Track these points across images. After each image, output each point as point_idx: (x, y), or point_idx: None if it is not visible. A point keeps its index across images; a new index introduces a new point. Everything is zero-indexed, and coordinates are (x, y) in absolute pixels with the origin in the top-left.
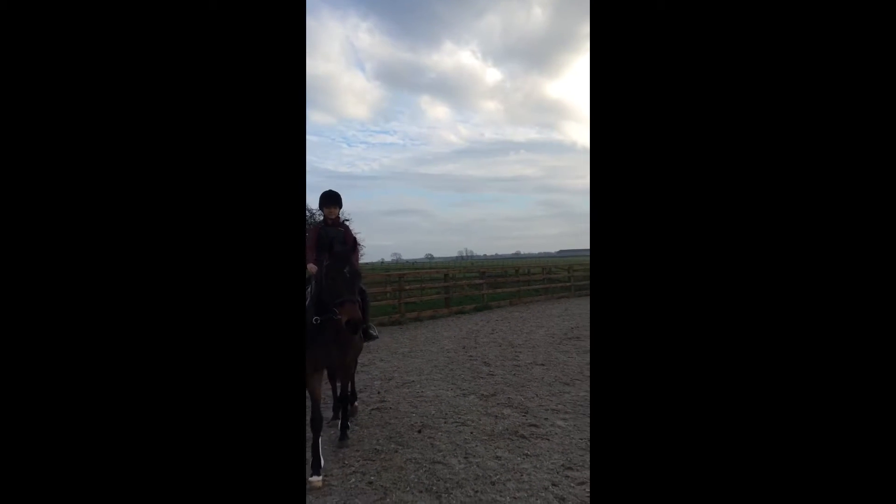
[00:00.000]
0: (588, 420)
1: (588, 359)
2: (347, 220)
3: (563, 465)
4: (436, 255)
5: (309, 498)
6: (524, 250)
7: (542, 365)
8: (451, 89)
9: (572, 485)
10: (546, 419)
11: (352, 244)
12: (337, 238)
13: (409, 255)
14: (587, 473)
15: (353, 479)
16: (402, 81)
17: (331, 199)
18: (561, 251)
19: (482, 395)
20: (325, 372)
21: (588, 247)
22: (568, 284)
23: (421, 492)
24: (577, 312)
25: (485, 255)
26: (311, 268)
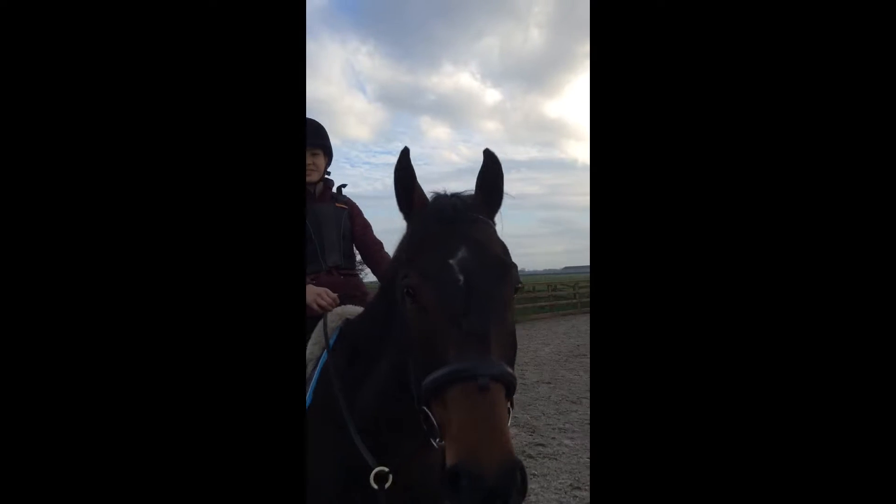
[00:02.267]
0: None
1: None
2: (345, 188)
3: (570, 485)
4: None
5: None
6: (529, 268)
7: (549, 383)
8: (451, 110)
9: None
10: (553, 438)
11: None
12: (334, 220)
13: None
14: None
15: None
16: (402, 103)
17: (310, 134)
18: (566, 268)
19: None
20: None
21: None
22: (574, 301)
23: None
24: (583, 330)
25: None
26: (316, 296)
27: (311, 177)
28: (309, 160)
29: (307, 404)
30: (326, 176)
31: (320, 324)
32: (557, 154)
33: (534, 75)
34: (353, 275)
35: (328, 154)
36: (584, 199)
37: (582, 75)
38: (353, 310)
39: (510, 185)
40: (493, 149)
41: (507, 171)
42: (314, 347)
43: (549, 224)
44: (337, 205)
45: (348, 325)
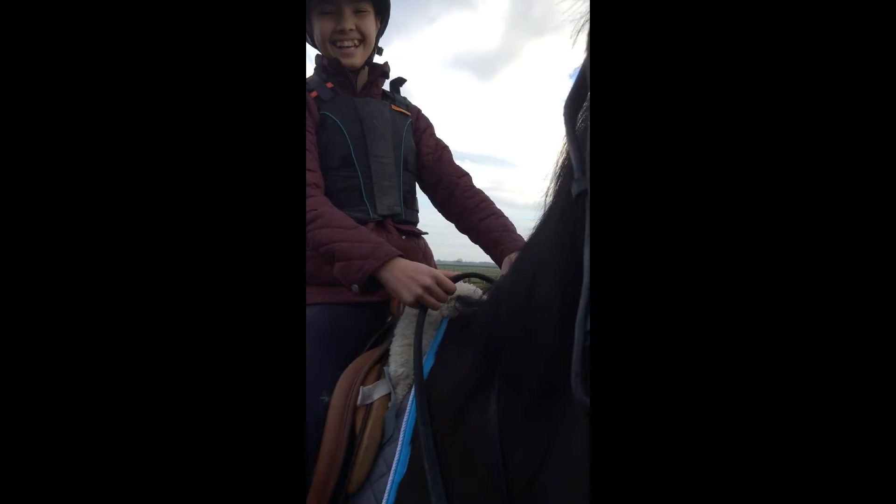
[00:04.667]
0: None
1: None
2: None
3: None
4: None
5: None
6: (466, 258)
7: None
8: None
9: None
10: None
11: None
12: (391, 130)
13: None
14: None
15: None
16: None
17: None
18: None
19: None
20: None
21: None
22: None
23: None
24: None
25: None
26: (421, 289)
27: (352, 57)
28: (347, 21)
29: (392, 489)
30: (377, 58)
31: (407, 314)
32: (501, 151)
33: (484, 67)
34: (418, 235)
35: (382, 13)
36: (524, 197)
37: (528, 73)
38: (465, 287)
39: None
40: (443, 137)
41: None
42: (402, 352)
43: None
44: (394, 107)
45: (471, 310)
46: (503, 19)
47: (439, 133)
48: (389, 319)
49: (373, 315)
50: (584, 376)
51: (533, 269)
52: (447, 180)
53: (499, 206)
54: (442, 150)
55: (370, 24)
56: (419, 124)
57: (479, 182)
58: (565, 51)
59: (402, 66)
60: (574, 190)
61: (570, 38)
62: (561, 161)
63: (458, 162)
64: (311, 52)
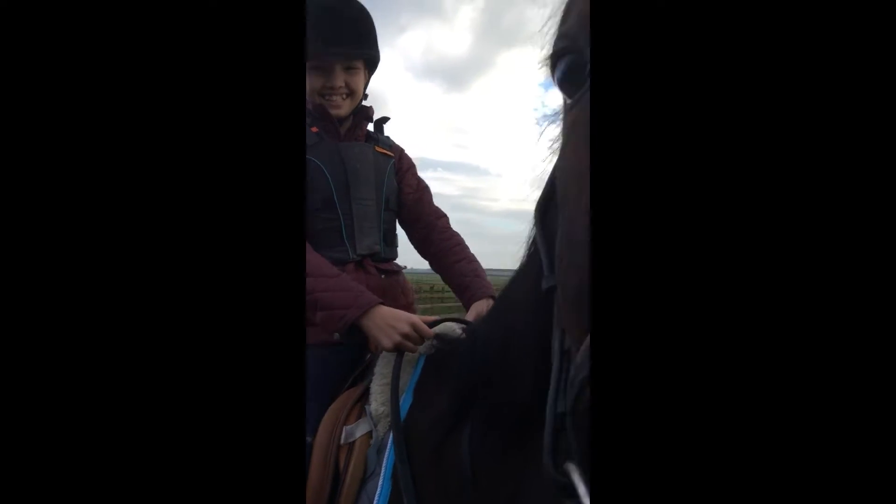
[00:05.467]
0: None
1: None
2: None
3: None
4: None
5: None
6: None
7: None
8: (371, 98)
9: None
10: None
11: (416, 186)
12: (374, 172)
13: None
14: None
15: None
16: None
17: (345, 28)
18: None
19: None
20: None
21: (504, 267)
22: None
23: None
24: None
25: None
26: (398, 335)
27: (339, 109)
28: (337, 78)
29: None
30: (363, 103)
31: (386, 353)
32: (472, 159)
33: (454, 76)
34: (397, 272)
35: (371, 66)
36: (496, 204)
37: (499, 83)
38: (443, 325)
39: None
40: (409, 145)
41: (424, 170)
42: (382, 391)
43: (461, 225)
44: (377, 149)
45: (448, 347)
46: (473, 29)
47: (414, 141)
48: (368, 356)
49: (352, 353)
50: (557, 452)
51: (511, 319)
52: (425, 220)
53: (472, 213)
54: (423, 190)
55: (359, 80)
56: (401, 164)
57: (452, 190)
58: (535, 62)
59: (374, 74)
60: (543, 285)
61: (539, 65)
62: (537, 203)
63: (430, 170)
64: None
